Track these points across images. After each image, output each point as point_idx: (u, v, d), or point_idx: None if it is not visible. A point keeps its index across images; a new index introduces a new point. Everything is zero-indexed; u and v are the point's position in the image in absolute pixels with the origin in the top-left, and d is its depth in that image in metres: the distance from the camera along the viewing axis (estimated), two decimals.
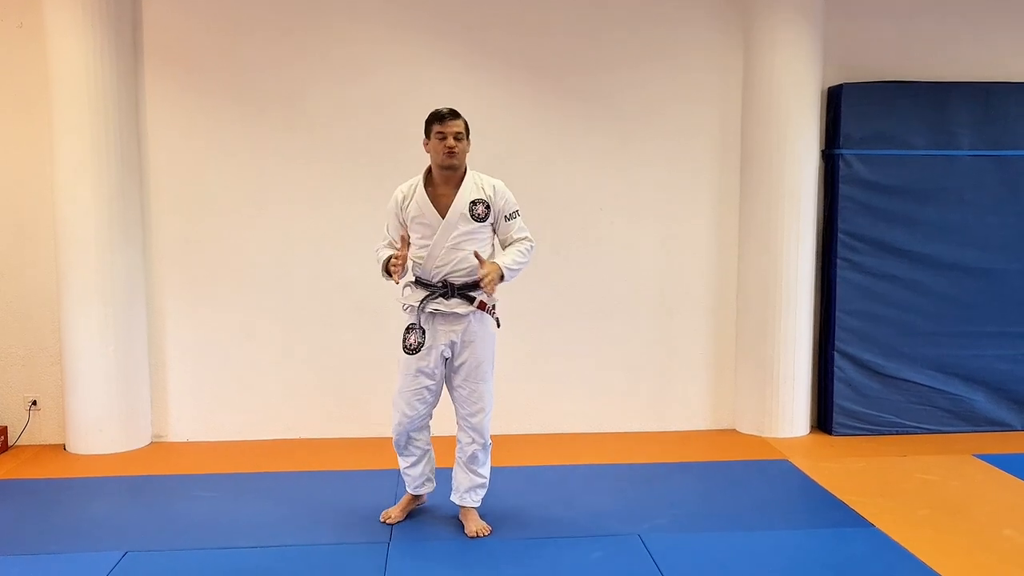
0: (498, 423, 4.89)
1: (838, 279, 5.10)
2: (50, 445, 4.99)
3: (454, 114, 3.58)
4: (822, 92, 5.07)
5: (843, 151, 5.02)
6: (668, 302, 5.26)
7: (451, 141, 3.54)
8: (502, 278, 3.57)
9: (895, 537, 3.69)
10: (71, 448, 4.88)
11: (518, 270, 3.65)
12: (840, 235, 5.07)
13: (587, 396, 5.26)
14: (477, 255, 3.55)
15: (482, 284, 3.55)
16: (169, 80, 4.91)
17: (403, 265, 3.55)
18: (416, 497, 3.95)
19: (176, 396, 5.08)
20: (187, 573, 3.38)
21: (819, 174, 5.10)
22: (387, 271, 3.65)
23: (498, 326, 3.77)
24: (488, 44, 5.02)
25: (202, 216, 4.99)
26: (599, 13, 5.04)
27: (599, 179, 5.15)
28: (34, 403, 5.00)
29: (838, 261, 5.09)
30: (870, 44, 5.17)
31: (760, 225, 5.05)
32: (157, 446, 5.02)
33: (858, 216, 5.06)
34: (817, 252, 5.15)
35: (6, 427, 4.93)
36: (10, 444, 4.95)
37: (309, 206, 5.03)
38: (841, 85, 5.03)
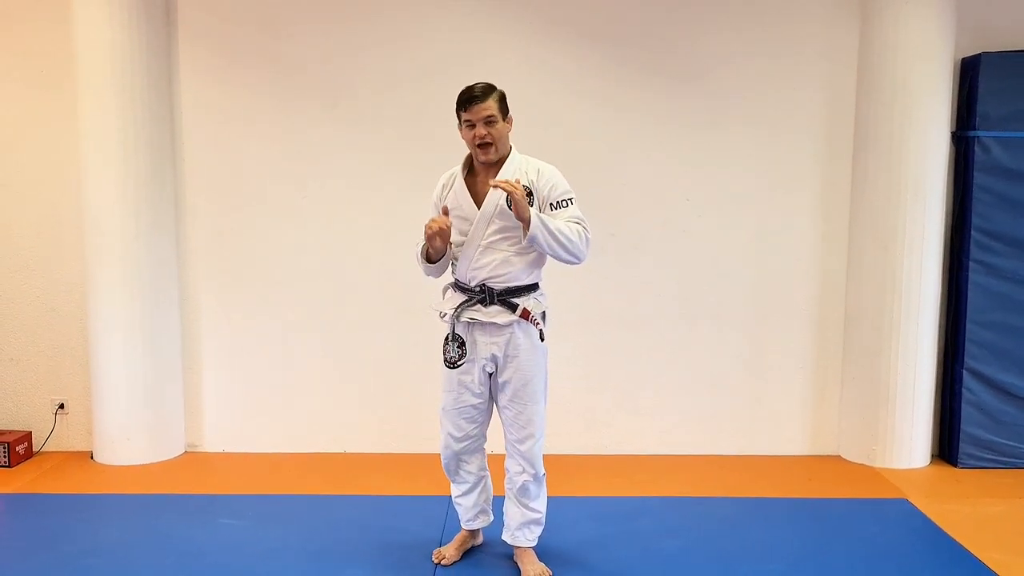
0: (558, 441, 4.35)
1: (969, 284, 4.42)
2: (77, 452, 4.61)
3: (483, 94, 2.98)
4: (955, 63, 4.36)
5: (979, 133, 4.33)
6: (762, 306, 4.61)
7: (481, 130, 2.99)
8: (528, 225, 2.92)
9: None
10: (98, 457, 4.49)
11: (556, 239, 2.99)
12: (973, 232, 4.39)
13: (664, 412, 4.66)
14: (496, 184, 2.92)
15: (500, 182, 2.90)
16: (205, 55, 4.45)
17: (443, 236, 2.97)
18: (473, 533, 3.44)
19: (211, 403, 4.65)
20: None
21: (948, 160, 4.38)
22: (426, 256, 3.11)
23: (541, 339, 3.16)
24: (558, 10, 4.41)
25: (240, 205, 4.53)
26: None
27: (685, 165, 4.51)
28: (61, 406, 4.62)
29: (970, 263, 4.40)
30: (1014, 5, 4.42)
31: (876, 219, 4.36)
32: (190, 456, 4.59)
33: (995, 210, 4.37)
34: (944, 252, 4.46)
35: (30, 432, 4.56)
36: (35, 450, 4.58)
37: (358, 194, 4.53)
38: (979, 55, 4.34)
